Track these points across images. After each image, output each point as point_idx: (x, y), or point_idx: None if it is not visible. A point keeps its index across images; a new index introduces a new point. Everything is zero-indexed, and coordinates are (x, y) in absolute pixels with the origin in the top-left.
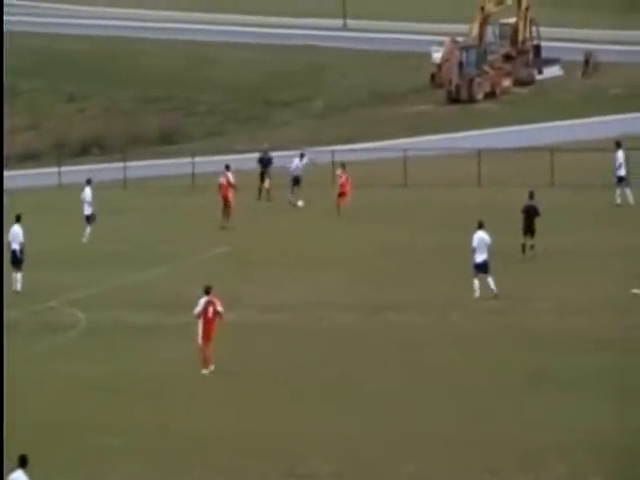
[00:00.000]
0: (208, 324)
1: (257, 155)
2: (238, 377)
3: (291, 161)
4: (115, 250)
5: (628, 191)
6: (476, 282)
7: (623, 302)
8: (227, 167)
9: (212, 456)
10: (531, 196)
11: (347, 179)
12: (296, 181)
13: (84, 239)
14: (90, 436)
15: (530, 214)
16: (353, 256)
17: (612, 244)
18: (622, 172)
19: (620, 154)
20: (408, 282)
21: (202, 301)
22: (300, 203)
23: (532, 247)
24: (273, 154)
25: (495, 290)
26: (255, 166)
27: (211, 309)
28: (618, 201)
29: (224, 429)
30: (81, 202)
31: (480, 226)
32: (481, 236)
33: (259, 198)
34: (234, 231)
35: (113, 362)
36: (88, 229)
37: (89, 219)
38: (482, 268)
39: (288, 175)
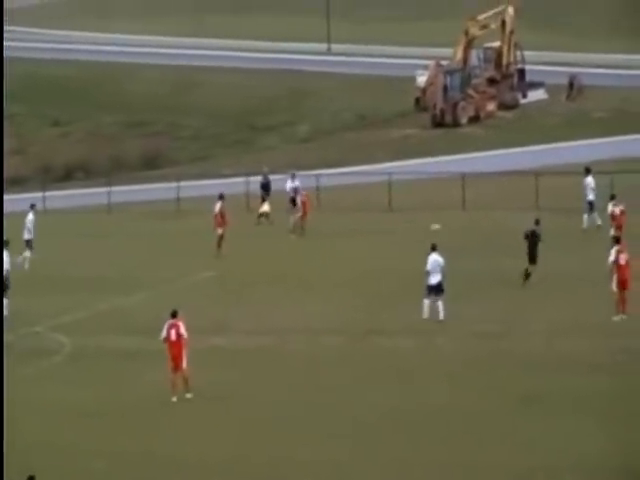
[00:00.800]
0: (172, 348)
1: (258, 179)
2: (224, 402)
3: (285, 183)
4: (99, 275)
5: (595, 215)
6: (426, 302)
7: (611, 326)
8: (221, 196)
9: None
10: (537, 223)
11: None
12: (293, 201)
13: (25, 265)
14: (76, 460)
15: (533, 240)
16: (340, 280)
17: (599, 267)
18: (591, 197)
19: (590, 179)
20: (395, 306)
21: (166, 325)
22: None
23: (527, 276)
24: (258, 179)
25: (442, 317)
26: (242, 190)
27: (173, 332)
28: (584, 225)
29: (209, 454)
30: (27, 228)
31: (433, 249)
32: (435, 258)
33: (258, 223)
34: (221, 256)
35: (97, 387)
36: (27, 254)
37: (28, 244)
38: (436, 290)
39: (285, 195)
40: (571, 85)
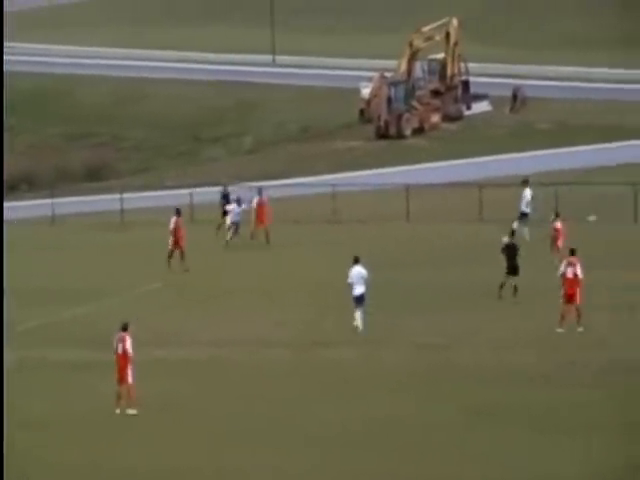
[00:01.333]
0: (118, 360)
1: (218, 190)
2: (172, 413)
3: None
4: (43, 287)
5: (526, 229)
6: (358, 314)
7: (556, 338)
8: (177, 211)
9: None
10: (512, 234)
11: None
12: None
13: None
14: (22, 473)
15: (511, 252)
16: (285, 292)
17: (544, 279)
18: (526, 209)
19: (527, 192)
20: (339, 317)
21: (115, 337)
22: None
23: (515, 289)
24: (202, 190)
25: (360, 327)
26: (186, 201)
27: (121, 346)
28: (527, 238)
29: (157, 465)
30: None
31: (356, 261)
32: (358, 270)
33: (220, 235)
34: (167, 267)
35: (42, 399)
36: None
37: None
38: (360, 300)
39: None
40: (514, 97)
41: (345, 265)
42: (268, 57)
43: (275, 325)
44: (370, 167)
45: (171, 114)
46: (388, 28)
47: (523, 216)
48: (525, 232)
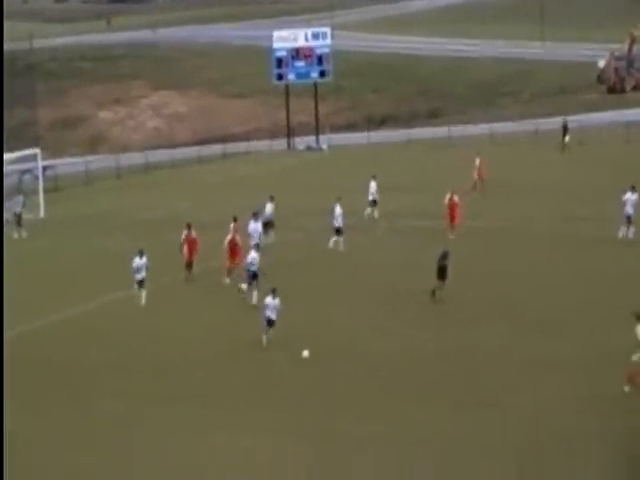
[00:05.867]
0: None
1: None
2: None
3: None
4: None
5: (341, 239)
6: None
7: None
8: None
9: None
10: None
11: None
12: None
13: None
14: None
15: None
16: None
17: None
18: (338, 223)
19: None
20: None
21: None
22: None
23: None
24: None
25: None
26: None
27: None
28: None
29: None
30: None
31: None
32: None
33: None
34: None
35: None
36: None
37: None
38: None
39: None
40: None
41: None
42: (538, 43)
43: None
44: (604, 110)
45: (480, 78)
46: (613, 24)
47: (338, 231)
48: (340, 242)
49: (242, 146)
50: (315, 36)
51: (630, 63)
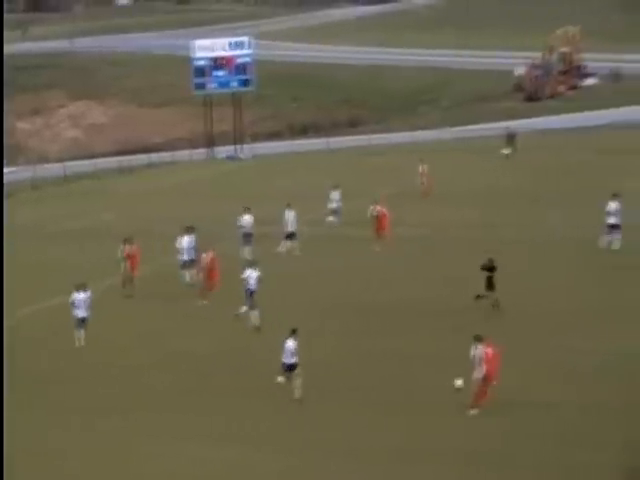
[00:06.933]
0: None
1: None
2: None
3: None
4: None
5: (296, 243)
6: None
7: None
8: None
9: None
10: None
11: None
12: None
13: None
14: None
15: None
16: None
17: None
18: (289, 228)
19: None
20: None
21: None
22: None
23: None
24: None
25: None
26: None
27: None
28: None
29: None
30: None
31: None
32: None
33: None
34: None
35: None
36: None
37: None
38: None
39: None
40: (612, 75)
41: None
42: (457, 51)
43: None
44: (517, 118)
45: (399, 86)
46: (530, 32)
47: (290, 236)
48: (295, 247)
49: (163, 156)
50: (236, 45)
51: (547, 71)
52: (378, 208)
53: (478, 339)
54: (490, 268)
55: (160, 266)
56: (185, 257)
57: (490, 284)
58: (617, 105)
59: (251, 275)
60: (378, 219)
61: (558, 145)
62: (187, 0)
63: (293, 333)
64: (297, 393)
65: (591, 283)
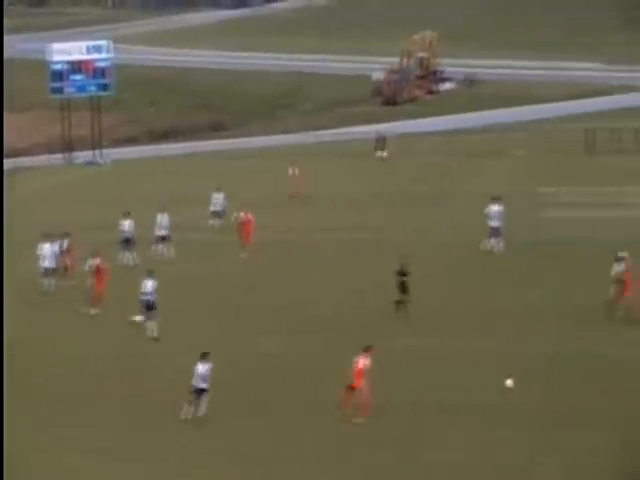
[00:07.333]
0: None
1: None
2: None
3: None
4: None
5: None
6: None
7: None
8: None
9: None
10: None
11: None
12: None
13: None
14: None
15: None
16: None
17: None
18: (161, 231)
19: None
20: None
21: None
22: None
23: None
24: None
25: None
26: None
27: None
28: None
29: None
30: None
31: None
32: None
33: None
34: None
35: None
36: None
37: None
38: None
39: None
40: (468, 80)
41: None
42: (316, 56)
43: None
44: (377, 122)
45: (259, 91)
46: (389, 37)
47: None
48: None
49: (23, 161)
50: (94, 49)
51: (405, 76)
52: (242, 214)
53: (365, 349)
54: (404, 273)
55: (21, 273)
56: (46, 264)
57: (404, 288)
58: (473, 109)
59: (147, 284)
60: (243, 225)
61: (427, 149)
62: (42, 3)
63: (204, 357)
64: (201, 410)
65: (488, 285)
